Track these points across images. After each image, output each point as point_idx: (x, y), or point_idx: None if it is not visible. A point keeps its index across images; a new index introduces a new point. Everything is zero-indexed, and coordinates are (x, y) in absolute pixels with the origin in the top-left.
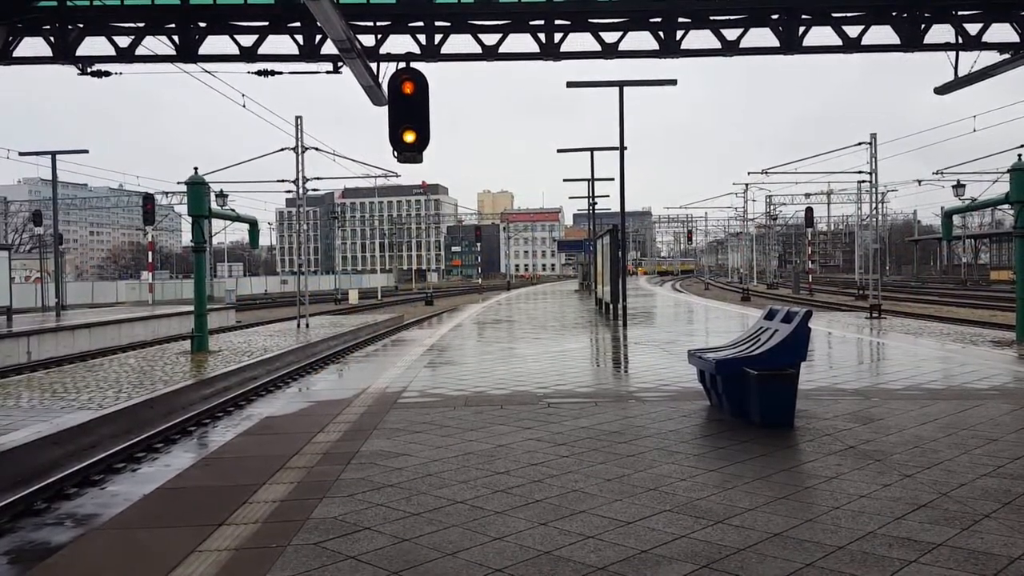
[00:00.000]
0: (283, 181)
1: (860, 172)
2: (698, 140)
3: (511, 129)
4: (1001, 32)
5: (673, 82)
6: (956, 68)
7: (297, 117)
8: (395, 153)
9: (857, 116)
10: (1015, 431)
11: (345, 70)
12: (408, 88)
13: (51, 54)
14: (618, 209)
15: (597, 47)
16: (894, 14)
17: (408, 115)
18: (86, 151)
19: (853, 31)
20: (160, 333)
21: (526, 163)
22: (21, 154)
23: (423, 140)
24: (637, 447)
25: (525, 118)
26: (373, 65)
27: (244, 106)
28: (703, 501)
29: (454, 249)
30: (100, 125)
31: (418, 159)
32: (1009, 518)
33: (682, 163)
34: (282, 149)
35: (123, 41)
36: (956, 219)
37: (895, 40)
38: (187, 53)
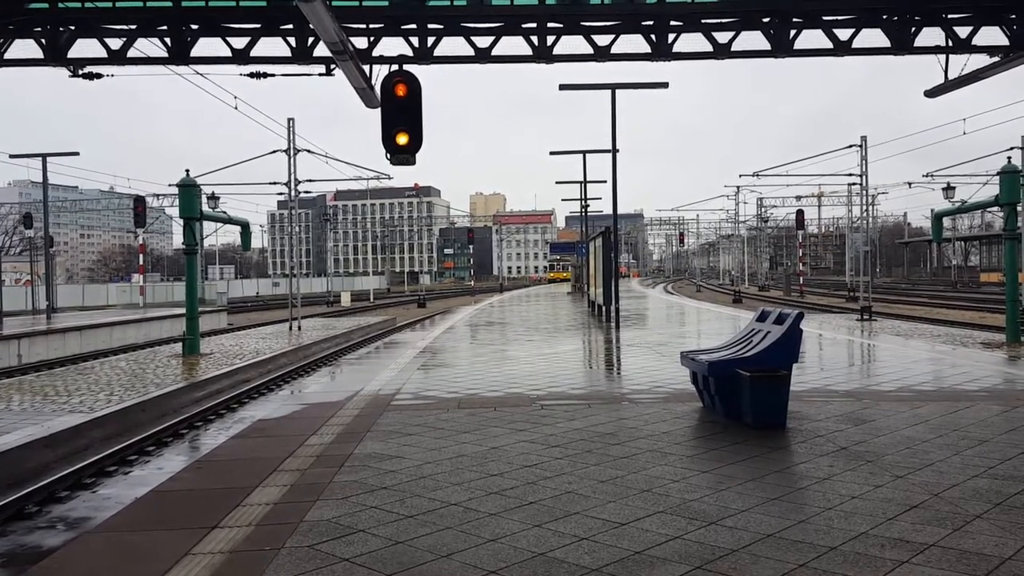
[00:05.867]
0: (275, 183)
1: (851, 175)
2: (698, 141)
3: (504, 131)
4: (990, 35)
5: (665, 85)
6: (946, 71)
7: (289, 119)
8: (388, 155)
9: (859, 117)
10: (1005, 432)
11: (338, 72)
12: (401, 90)
13: (42, 56)
14: (610, 211)
15: (589, 50)
16: (884, 17)
17: (401, 117)
18: (77, 153)
19: (844, 34)
20: (151, 336)
21: (519, 165)
22: (11, 156)
23: (416, 142)
24: (630, 449)
25: (518, 120)
26: (366, 67)
27: (236, 108)
28: (696, 502)
29: (447, 251)
30: (91, 127)
31: (411, 161)
32: (1000, 519)
33: (681, 165)
34: (274, 151)
35: (115, 43)
36: (946, 221)
37: (885, 43)
38: (179, 55)
